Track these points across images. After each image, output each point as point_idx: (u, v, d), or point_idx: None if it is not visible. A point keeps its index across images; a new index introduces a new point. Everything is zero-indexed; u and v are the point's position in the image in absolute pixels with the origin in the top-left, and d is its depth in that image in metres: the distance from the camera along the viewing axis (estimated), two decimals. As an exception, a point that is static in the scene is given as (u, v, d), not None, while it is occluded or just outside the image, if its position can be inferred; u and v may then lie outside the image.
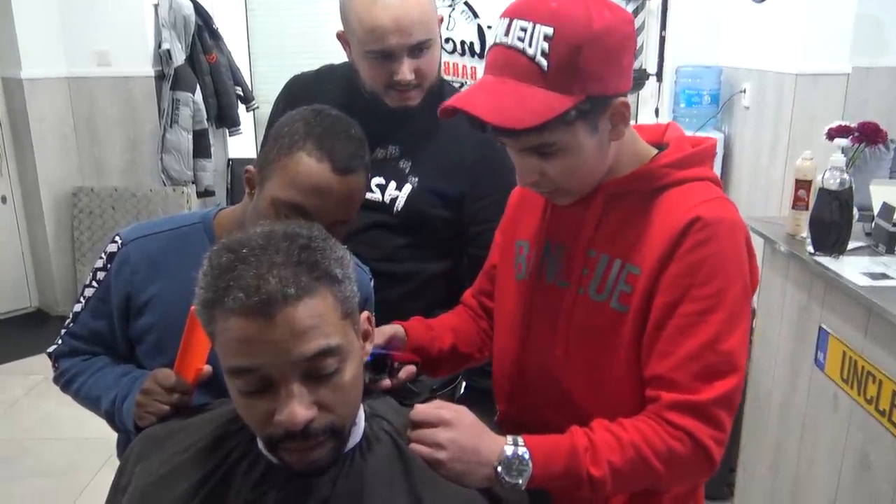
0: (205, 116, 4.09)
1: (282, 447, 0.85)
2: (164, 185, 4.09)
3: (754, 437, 2.28)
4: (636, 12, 3.97)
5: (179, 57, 4.01)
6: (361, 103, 1.49)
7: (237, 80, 4.34)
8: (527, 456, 0.95)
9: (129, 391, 1.15)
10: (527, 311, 1.15)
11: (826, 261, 1.80)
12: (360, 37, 1.40)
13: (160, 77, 4.07)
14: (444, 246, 1.57)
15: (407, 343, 1.21)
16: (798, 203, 1.97)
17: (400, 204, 1.51)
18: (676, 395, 0.96)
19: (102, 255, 1.25)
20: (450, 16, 4.84)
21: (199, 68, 4.10)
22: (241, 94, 4.32)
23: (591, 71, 0.91)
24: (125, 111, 4.09)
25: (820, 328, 1.84)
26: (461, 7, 4.83)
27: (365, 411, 0.98)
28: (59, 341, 1.28)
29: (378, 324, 1.41)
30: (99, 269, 1.25)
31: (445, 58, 4.86)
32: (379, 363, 1.09)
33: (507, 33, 0.94)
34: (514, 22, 0.93)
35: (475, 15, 4.83)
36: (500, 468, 0.94)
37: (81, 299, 1.27)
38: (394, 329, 1.18)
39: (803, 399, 1.94)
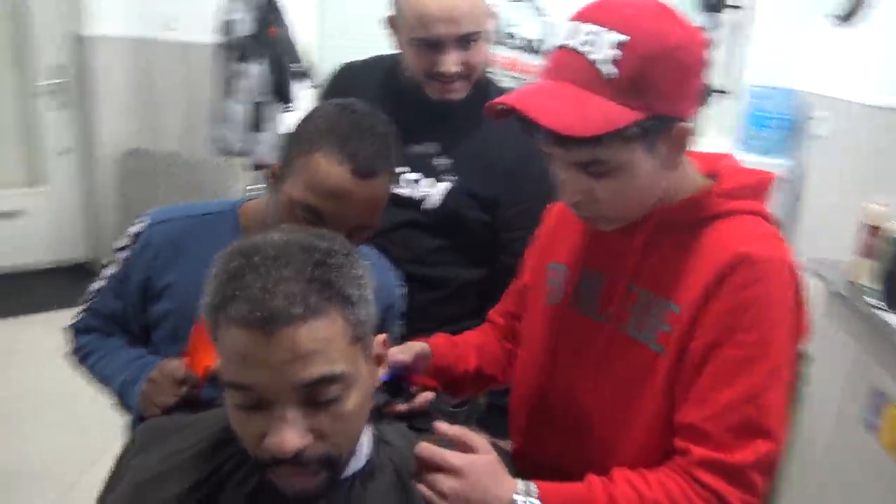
0: (262, 90, 4.08)
1: (270, 471, 0.80)
2: (215, 154, 4.10)
3: (793, 495, 2.15)
4: (711, 28, 3.81)
5: (243, 28, 4.01)
6: (403, 95, 1.46)
7: (295, 56, 4.32)
8: None
9: (138, 377, 1.13)
10: (553, 340, 1.08)
11: (892, 319, 1.67)
12: (409, 22, 1.37)
13: (223, 46, 4.07)
14: (480, 252, 1.51)
15: (430, 362, 1.14)
16: (866, 249, 1.84)
17: (434, 202, 1.46)
18: (708, 451, 0.88)
19: (127, 233, 1.22)
20: (515, 11, 4.74)
21: (262, 41, 4.09)
22: (300, 70, 4.30)
23: (659, 87, 0.84)
24: (185, 77, 4.10)
25: (875, 390, 1.72)
26: (527, 4, 4.73)
27: (373, 435, 0.93)
28: (79, 317, 1.26)
29: (408, 329, 1.37)
30: (122, 248, 1.22)
31: (508, 53, 4.77)
32: (395, 385, 1.03)
33: (574, 36, 0.87)
34: (584, 26, 0.86)
35: (542, 12, 4.72)
36: None
37: (103, 276, 1.24)
38: (421, 347, 1.12)
39: (850, 464, 1.82)
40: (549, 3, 4.68)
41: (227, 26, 4.00)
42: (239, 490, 0.87)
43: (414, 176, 1.47)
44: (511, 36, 4.70)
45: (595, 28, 0.85)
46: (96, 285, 1.24)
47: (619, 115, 0.84)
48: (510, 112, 0.89)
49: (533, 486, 0.90)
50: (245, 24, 3.99)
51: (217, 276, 0.78)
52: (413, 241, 1.48)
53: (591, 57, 0.85)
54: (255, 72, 4.05)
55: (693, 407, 0.91)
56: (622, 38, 0.84)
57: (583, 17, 0.87)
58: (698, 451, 0.89)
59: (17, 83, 3.99)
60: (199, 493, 0.87)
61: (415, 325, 1.45)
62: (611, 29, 0.84)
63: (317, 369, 0.75)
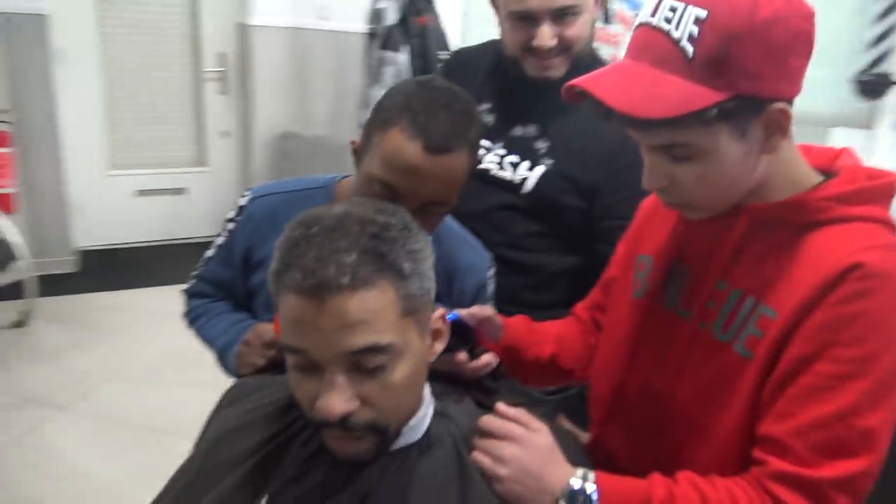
0: (407, 77, 4.18)
1: (323, 432, 0.83)
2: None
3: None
4: (890, 10, 3.45)
5: (392, 17, 4.12)
6: (508, 78, 1.44)
7: (444, 44, 4.38)
8: (594, 496, 0.85)
9: (236, 340, 1.19)
10: (637, 334, 1.03)
11: None
12: None
13: (371, 35, 4.21)
14: (576, 239, 1.46)
15: (500, 338, 1.12)
16: None
17: (530, 185, 1.43)
18: (787, 464, 0.82)
19: (235, 207, 1.29)
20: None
21: (409, 30, 4.19)
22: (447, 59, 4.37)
23: (745, 66, 0.77)
24: (336, 65, 4.29)
25: None
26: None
27: (436, 409, 0.93)
28: (192, 282, 1.35)
29: (498, 312, 1.36)
30: (230, 220, 1.30)
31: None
32: (462, 331, 1.02)
33: (654, 13, 0.82)
34: (666, 1, 0.81)
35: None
36: (561, 502, 0.86)
37: (214, 246, 1.32)
38: (492, 314, 1.10)
39: None
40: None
41: (376, 15, 4.14)
42: (303, 449, 0.90)
43: (514, 159, 1.46)
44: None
45: (676, 3, 0.80)
46: (208, 254, 1.33)
47: (696, 95, 0.78)
48: (587, 95, 0.85)
49: (591, 473, 0.88)
50: (392, 12, 4.11)
51: (280, 244, 0.81)
52: (509, 224, 1.46)
53: (670, 34, 0.80)
54: (402, 59, 4.17)
55: (776, 419, 0.84)
56: (702, 13, 0.78)
57: None
58: (776, 464, 0.83)
59: (189, 70, 4.35)
60: (267, 447, 0.92)
61: (506, 309, 1.44)
62: (692, 4, 0.78)
63: (363, 338, 0.76)
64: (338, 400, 0.77)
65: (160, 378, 3.02)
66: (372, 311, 0.76)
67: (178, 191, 4.41)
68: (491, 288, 1.31)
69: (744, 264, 0.90)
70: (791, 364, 0.83)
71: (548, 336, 1.19)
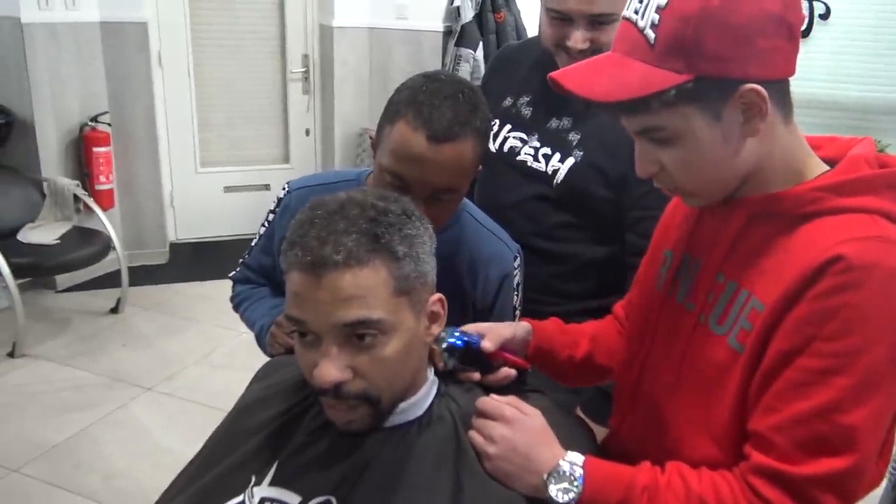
0: (483, 74, 4.21)
1: (322, 402, 0.89)
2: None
3: None
4: None
5: (468, 14, 4.17)
6: (547, 71, 1.45)
7: (522, 39, 4.39)
8: (579, 475, 0.88)
9: (272, 322, 1.27)
10: (652, 326, 1.03)
11: None
12: None
13: (448, 32, 4.27)
14: (606, 230, 1.46)
15: (528, 344, 1.15)
16: None
17: (561, 176, 1.44)
18: (769, 459, 0.81)
19: (275, 198, 1.37)
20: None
21: (486, 26, 4.23)
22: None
23: (703, 48, 0.79)
24: (414, 62, 4.36)
25: None
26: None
27: (439, 389, 0.98)
28: (238, 269, 1.44)
29: (527, 302, 1.39)
30: (271, 211, 1.38)
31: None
32: (468, 353, 1.04)
33: (629, 6, 0.86)
34: None
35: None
36: (548, 480, 0.88)
37: (258, 235, 1.41)
38: (513, 331, 1.12)
39: None
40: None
41: (454, 13, 4.20)
42: (313, 422, 0.97)
43: (547, 150, 1.48)
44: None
45: None
46: (253, 242, 1.42)
47: (655, 78, 0.81)
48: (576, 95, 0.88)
49: (580, 456, 0.90)
50: (468, 9, 4.16)
51: (290, 226, 0.88)
52: (539, 214, 1.48)
53: (637, 24, 0.84)
54: (478, 55, 4.21)
55: (762, 415, 0.83)
56: (662, 1, 0.81)
57: None
58: (758, 458, 0.82)
59: (275, 72, 4.54)
60: (283, 418, 0.99)
61: (537, 298, 1.46)
62: None
63: (356, 312, 0.82)
64: (331, 369, 0.83)
65: (239, 363, 3.19)
66: (364, 287, 0.83)
67: (263, 187, 4.60)
68: (518, 279, 1.33)
69: (739, 256, 0.90)
70: (775, 358, 0.82)
71: (582, 335, 1.20)
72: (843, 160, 0.87)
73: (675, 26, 0.80)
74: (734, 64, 0.80)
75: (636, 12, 0.84)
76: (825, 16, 4.29)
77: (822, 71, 4.37)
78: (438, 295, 0.94)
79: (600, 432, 1.16)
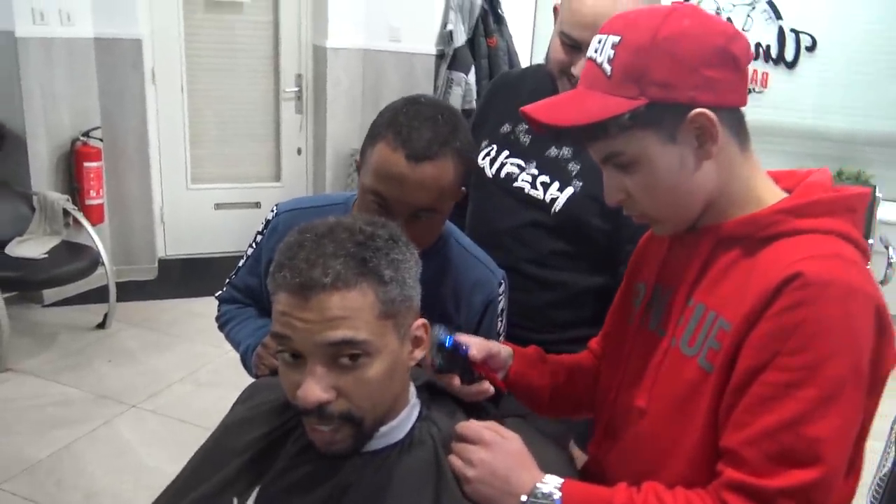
0: (475, 97, 4.26)
1: (305, 422, 0.91)
2: (427, 157, 4.36)
3: None
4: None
5: (460, 38, 4.22)
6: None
7: (514, 65, 4.44)
8: (556, 497, 0.90)
9: (257, 343, 1.28)
10: (626, 354, 1.06)
11: None
12: (563, 16, 1.41)
13: (440, 56, 4.32)
14: (601, 260, 1.49)
15: (509, 367, 1.16)
16: None
17: (559, 205, 1.46)
18: (740, 474, 0.83)
19: (263, 220, 1.39)
20: (748, 15, 4.46)
21: (478, 51, 4.28)
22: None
23: (653, 76, 0.86)
24: (406, 84, 4.41)
25: None
26: (763, 6, 4.42)
27: (420, 412, 1.00)
28: (224, 289, 1.45)
29: (521, 329, 1.41)
30: (259, 233, 1.39)
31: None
32: (455, 355, 1.06)
33: (592, 48, 0.94)
34: (598, 37, 0.93)
35: (778, 16, 4.39)
36: (526, 503, 0.90)
37: (244, 256, 1.42)
38: (499, 349, 1.14)
39: None
40: (786, 6, 4.36)
41: (447, 37, 4.25)
42: (294, 445, 0.98)
43: (546, 179, 1.50)
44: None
45: (602, 36, 0.92)
46: (240, 262, 1.43)
47: (611, 105, 0.88)
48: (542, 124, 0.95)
49: (559, 479, 0.92)
50: (461, 34, 4.21)
51: (279, 249, 0.90)
52: (535, 241, 1.50)
53: (597, 60, 0.92)
54: (470, 79, 4.26)
55: (732, 431, 0.86)
56: (616, 38, 0.89)
57: (601, 31, 0.93)
58: (730, 474, 0.85)
59: (268, 91, 4.57)
60: (266, 441, 1.00)
61: (530, 326, 1.47)
62: (611, 33, 0.91)
63: (341, 332, 0.84)
64: (315, 388, 0.85)
65: (226, 381, 3.17)
66: (350, 308, 0.85)
67: (254, 205, 4.61)
68: (502, 305, 1.35)
69: (708, 280, 0.94)
70: (743, 375, 0.85)
71: (561, 366, 1.22)
72: (801, 187, 0.93)
73: (628, 58, 0.87)
74: (681, 90, 0.87)
75: (596, 51, 0.92)
76: (811, 48, 4.37)
77: (808, 102, 4.44)
78: (422, 320, 0.96)
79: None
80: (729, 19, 4.48)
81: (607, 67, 0.89)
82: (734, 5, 4.49)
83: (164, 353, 3.47)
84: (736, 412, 0.86)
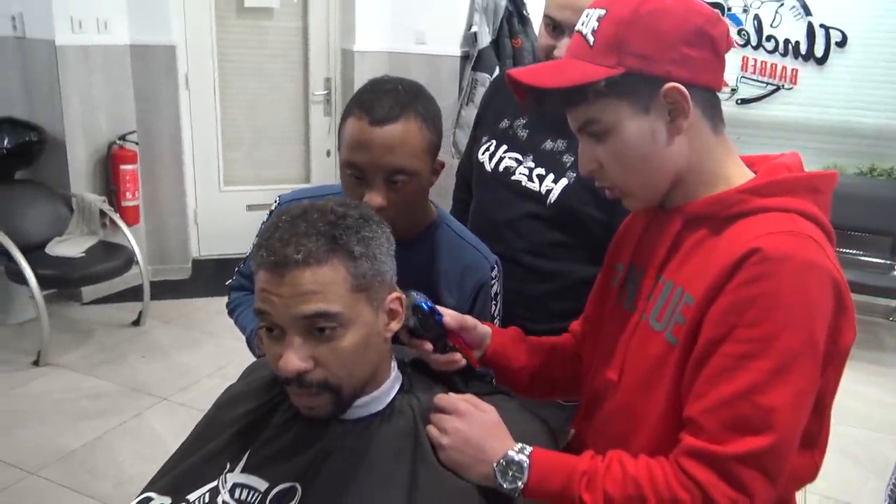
0: (497, 97, 4.29)
1: (288, 391, 0.97)
2: (453, 157, 4.41)
3: None
4: None
5: (485, 39, 4.27)
6: None
7: (538, 64, 4.47)
8: (525, 464, 0.94)
9: None
10: (604, 333, 1.10)
11: None
12: (546, 0, 1.46)
13: (465, 57, 4.37)
14: (597, 250, 1.51)
15: (486, 346, 1.20)
16: None
17: (554, 196, 1.50)
18: (698, 441, 0.87)
19: (269, 210, 1.45)
20: (777, 11, 4.41)
21: (502, 51, 4.32)
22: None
23: (631, 47, 0.91)
24: (432, 86, 4.37)
25: None
26: (791, 2, 4.38)
27: (402, 386, 1.05)
28: (234, 277, 1.52)
29: (519, 319, 1.43)
30: (263, 223, 1.45)
31: (762, 57, 4.46)
32: (430, 320, 1.09)
33: (580, 22, 0.98)
34: (586, 11, 0.98)
35: (807, 12, 4.34)
36: (497, 469, 0.95)
37: (252, 245, 1.48)
38: (475, 323, 1.18)
39: None
40: (816, 3, 4.31)
41: (471, 38, 4.30)
42: (283, 415, 1.04)
43: (541, 171, 1.53)
44: (769, 38, 4.40)
45: (590, 10, 0.97)
46: (248, 251, 1.49)
47: (591, 72, 0.92)
48: (524, 89, 0.99)
49: (529, 447, 0.96)
50: (485, 35, 4.26)
51: (260, 231, 0.97)
52: (533, 233, 1.53)
53: (582, 31, 0.96)
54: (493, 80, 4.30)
55: (693, 401, 0.89)
56: (601, 11, 0.94)
57: (591, 5, 0.98)
58: (688, 441, 0.88)
59: (298, 94, 4.68)
60: (257, 413, 1.07)
61: (528, 316, 1.51)
62: (598, 6, 0.95)
63: (315, 305, 0.90)
64: (294, 358, 0.91)
65: (252, 376, 3.27)
66: (323, 283, 0.90)
67: (284, 206, 4.71)
68: (496, 289, 1.38)
69: (677, 258, 0.97)
70: (704, 347, 0.88)
71: (540, 347, 1.26)
72: (765, 168, 0.95)
73: (609, 29, 0.92)
74: (658, 63, 0.90)
75: (583, 24, 0.96)
76: (842, 43, 4.31)
77: (839, 98, 4.38)
78: (397, 293, 1.01)
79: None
80: (757, 16, 4.45)
81: (590, 38, 0.94)
82: (762, 2, 4.45)
83: (195, 350, 3.58)
84: (697, 383, 0.89)
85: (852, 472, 2.83)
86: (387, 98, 1.17)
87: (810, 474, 0.96)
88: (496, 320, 1.40)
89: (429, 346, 1.11)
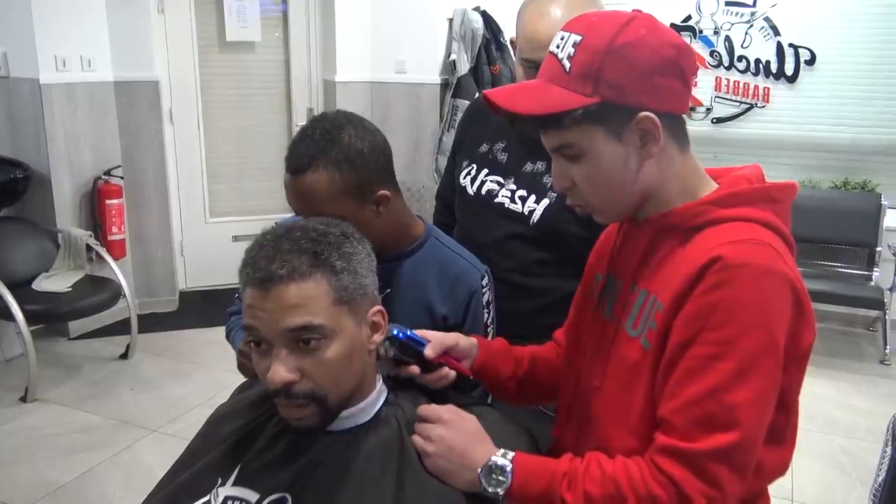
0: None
1: (276, 403, 1.00)
2: (435, 183, 4.47)
3: None
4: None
5: (464, 67, 4.35)
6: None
7: (518, 90, 4.55)
8: (508, 468, 0.97)
9: None
10: (583, 345, 1.14)
11: None
12: (521, 44, 1.50)
13: (445, 84, 4.46)
14: (581, 266, 1.56)
15: (473, 357, 1.23)
16: None
17: (536, 216, 1.54)
18: (670, 439, 0.91)
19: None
20: (747, 32, 4.54)
21: (482, 78, 4.40)
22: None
23: (607, 77, 0.93)
24: (412, 114, 4.54)
25: None
26: (760, 23, 4.50)
27: (387, 398, 1.08)
28: (234, 300, 1.55)
29: (509, 337, 1.45)
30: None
31: (735, 77, 4.57)
32: (409, 347, 1.12)
33: (554, 43, 1.01)
34: (560, 34, 1.00)
35: (776, 32, 4.47)
36: (481, 475, 0.98)
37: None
38: (457, 340, 1.21)
39: None
40: (784, 22, 4.43)
41: (450, 66, 4.39)
42: (273, 429, 1.08)
43: (523, 193, 1.58)
44: (740, 59, 4.52)
45: (564, 33, 0.99)
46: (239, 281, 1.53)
47: (568, 99, 0.95)
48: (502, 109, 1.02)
49: (511, 452, 1.00)
50: (464, 62, 4.34)
51: (245, 250, 1.00)
52: (518, 252, 1.58)
53: (558, 56, 0.98)
54: (474, 107, 4.38)
55: (665, 402, 0.93)
56: (578, 38, 0.96)
57: (564, 28, 1.00)
58: (661, 440, 0.92)
59: (282, 124, 4.74)
60: (247, 428, 1.10)
61: (519, 333, 1.54)
62: (574, 32, 0.98)
63: (299, 319, 0.94)
64: (281, 370, 0.95)
65: (242, 406, 3.27)
66: (306, 297, 0.95)
67: (269, 235, 4.75)
68: (487, 297, 1.43)
69: (649, 267, 1.02)
70: (673, 350, 0.93)
71: (524, 356, 1.30)
72: (727, 180, 1.01)
73: (586, 58, 0.95)
74: (632, 94, 0.94)
75: (558, 47, 0.99)
76: (811, 62, 4.44)
77: (811, 114, 4.49)
78: (379, 307, 1.05)
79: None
80: (728, 38, 4.58)
81: (567, 63, 0.97)
82: (732, 24, 4.58)
83: (184, 381, 3.58)
84: (668, 384, 0.93)
85: (839, 480, 2.86)
86: (303, 143, 1.20)
87: (780, 469, 1.00)
88: (491, 329, 1.44)
89: (415, 368, 1.14)
